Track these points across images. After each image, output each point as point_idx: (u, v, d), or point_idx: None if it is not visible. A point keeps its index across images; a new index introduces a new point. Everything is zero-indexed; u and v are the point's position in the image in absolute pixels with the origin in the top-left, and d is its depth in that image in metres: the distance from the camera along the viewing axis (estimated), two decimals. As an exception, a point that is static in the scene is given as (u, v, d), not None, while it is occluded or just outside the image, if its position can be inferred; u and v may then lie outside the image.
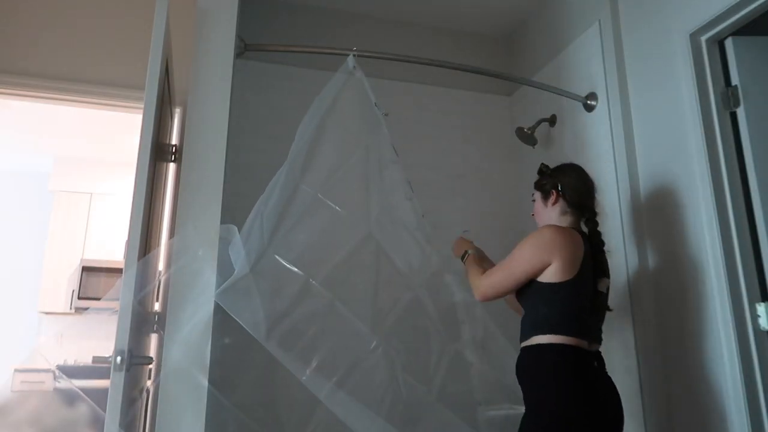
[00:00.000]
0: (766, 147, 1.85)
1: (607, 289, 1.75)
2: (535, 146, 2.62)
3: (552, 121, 2.62)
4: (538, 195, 1.84)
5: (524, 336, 1.66)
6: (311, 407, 1.82)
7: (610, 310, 1.75)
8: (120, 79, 2.35)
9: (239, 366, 2.11)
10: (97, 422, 1.48)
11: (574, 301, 1.62)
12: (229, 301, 1.65)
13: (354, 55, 1.99)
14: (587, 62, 2.41)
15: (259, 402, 2.02)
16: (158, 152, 1.90)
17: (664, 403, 1.95)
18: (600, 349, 1.69)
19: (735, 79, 1.91)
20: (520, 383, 1.64)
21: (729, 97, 1.92)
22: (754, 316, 1.76)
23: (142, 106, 1.67)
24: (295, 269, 1.77)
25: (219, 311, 1.68)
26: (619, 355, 2.07)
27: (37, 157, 4.89)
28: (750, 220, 1.84)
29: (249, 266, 1.69)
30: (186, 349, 1.63)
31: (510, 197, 2.89)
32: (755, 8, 1.79)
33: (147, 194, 1.63)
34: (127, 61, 2.36)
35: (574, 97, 2.40)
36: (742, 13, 1.82)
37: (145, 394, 2.04)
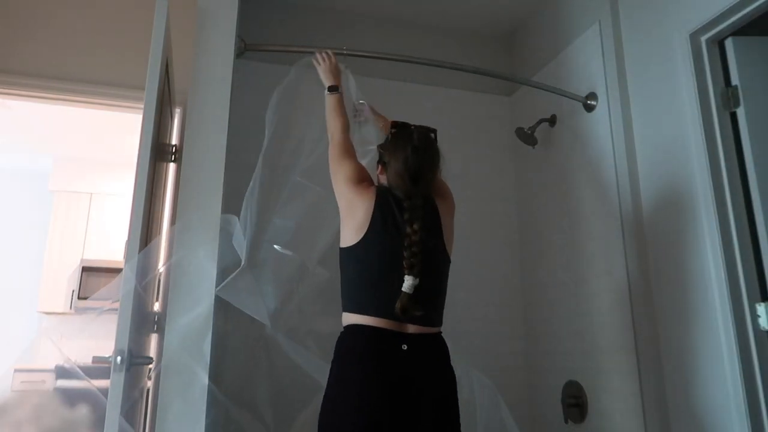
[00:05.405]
0: (766, 147, 1.84)
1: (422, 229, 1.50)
2: (535, 146, 2.62)
3: (552, 121, 2.61)
4: None
5: None
6: (307, 405, 1.83)
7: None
8: (120, 79, 2.35)
9: (234, 362, 2.12)
10: (97, 422, 1.48)
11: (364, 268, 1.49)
12: (232, 295, 1.68)
13: (343, 54, 2.01)
14: (587, 62, 2.41)
15: (254, 398, 2.02)
16: (158, 152, 1.90)
17: (662, 402, 1.95)
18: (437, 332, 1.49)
19: (735, 79, 1.90)
20: None
21: (729, 97, 1.91)
22: (754, 316, 1.76)
23: (142, 106, 1.68)
24: (289, 253, 1.81)
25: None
26: (618, 354, 2.08)
27: (37, 157, 4.89)
28: (750, 220, 1.84)
29: (244, 259, 1.71)
30: (185, 344, 1.64)
31: (510, 197, 2.89)
32: (755, 8, 1.79)
33: (147, 194, 1.63)
34: (127, 61, 2.36)
35: (574, 97, 2.40)
36: (742, 13, 1.82)
37: (145, 394, 2.04)
